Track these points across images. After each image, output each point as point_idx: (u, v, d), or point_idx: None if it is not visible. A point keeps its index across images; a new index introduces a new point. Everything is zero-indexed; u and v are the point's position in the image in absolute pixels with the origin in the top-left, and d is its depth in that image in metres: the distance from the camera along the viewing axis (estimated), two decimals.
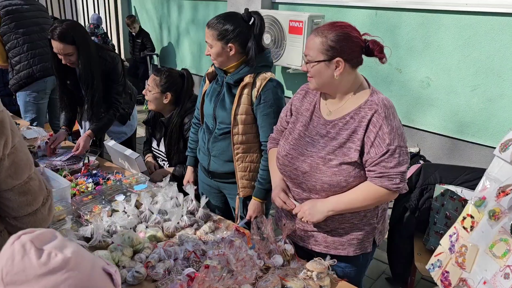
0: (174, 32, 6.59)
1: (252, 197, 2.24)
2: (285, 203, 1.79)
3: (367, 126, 1.61)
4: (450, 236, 1.80)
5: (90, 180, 2.48)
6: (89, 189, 2.41)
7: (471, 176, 2.74)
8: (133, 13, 7.44)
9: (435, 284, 3.02)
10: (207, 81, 2.34)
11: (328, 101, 1.76)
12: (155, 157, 2.90)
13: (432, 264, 1.82)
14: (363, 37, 1.63)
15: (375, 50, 1.61)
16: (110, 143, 2.81)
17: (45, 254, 0.80)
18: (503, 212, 1.59)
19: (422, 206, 2.72)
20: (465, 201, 2.51)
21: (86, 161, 2.74)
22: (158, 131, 2.81)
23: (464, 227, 1.74)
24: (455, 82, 3.70)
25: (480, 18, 3.45)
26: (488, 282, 1.56)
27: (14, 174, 1.22)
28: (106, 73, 2.89)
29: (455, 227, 1.80)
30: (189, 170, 2.57)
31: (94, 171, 2.61)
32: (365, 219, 1.76)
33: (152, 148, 2.91)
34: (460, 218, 1.78)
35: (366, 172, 1.66)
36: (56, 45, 2.67)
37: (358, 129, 1.63)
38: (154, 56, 6.94)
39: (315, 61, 1.61)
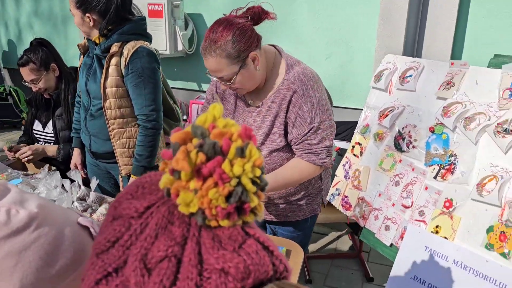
0: (14, 28, 5.86)
1: (131, 175, 2.12)
2: None
3: (288, 107, 1.58)
4: (344, 165, 2.00)
5: None
6: None
7: (341, 129, 3.08)
8: None
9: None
10: (82, 56, 2.17)
11: None
12: (38, 142, 2.60)
13: (331, 195, 2.00)
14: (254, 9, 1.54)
15: (262, 14, 1.56)
16: None
17: (2, 212, 0.64)
18: (385, 132, 1.82)
19: None
20: (340, 149, 2.81)
21: None
22: (43, 111, 2.53)
23: (354, 155, 1.95)
24: (312, 52, 4.06)
25: None
26: (382, 194, 1.78)
27: None
28: None
29: (346, 156, 2.00)
30: (75, 152, 2.36)
31: None
32: (311, 186, 1.78)
33: (35, 131, 2.60)
34: (350, 147, 1.99)
35: (293, 149, 1.66)
36: None
37: (280, 112, 1.60)
38: None
39: (233, 75, 1.48)
